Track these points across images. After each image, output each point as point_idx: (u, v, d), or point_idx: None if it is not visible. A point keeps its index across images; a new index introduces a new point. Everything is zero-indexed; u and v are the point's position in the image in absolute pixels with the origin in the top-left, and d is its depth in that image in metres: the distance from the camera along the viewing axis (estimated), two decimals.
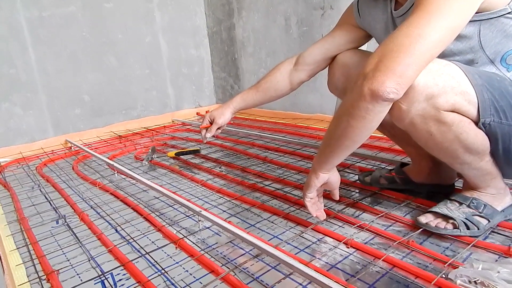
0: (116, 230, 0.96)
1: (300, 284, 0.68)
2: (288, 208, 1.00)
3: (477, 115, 0.68)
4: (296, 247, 0.81)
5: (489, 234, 0.78)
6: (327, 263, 0.74)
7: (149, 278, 0.74)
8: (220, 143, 1.75)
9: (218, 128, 1.11)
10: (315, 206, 0.86)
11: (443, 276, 0.65)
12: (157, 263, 0.80)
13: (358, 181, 1.11)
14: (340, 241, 0.81)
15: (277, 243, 0.82)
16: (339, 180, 0.85)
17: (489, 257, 0.71)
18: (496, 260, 0.69)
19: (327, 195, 0.91)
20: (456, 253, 0.73)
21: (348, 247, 0.79)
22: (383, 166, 1.22)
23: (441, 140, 0.70)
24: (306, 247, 0.81)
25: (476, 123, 0.69)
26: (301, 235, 0.86)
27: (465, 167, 0.76)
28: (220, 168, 1.40)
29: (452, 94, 0.66)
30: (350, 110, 0.67)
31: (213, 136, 1.11)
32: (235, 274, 0.72)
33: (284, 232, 0.88)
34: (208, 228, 0.93)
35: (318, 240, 0.83)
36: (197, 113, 2.50)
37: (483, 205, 0.79)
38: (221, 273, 0.72)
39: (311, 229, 0.87)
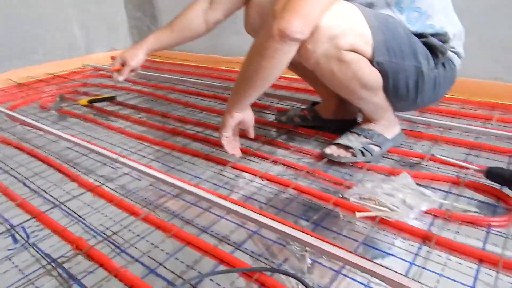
0: (24, 184, 0.90)
1: (219, 216, 0.74)
2: (208, 150, 1.03)
3: (372, 54, 0.75)
4: (215, 184, 0.85)
5: (380, 159, 0.91)
6: (244, 195, 0.81)
7: (66, 227, 0.73)
8: (138, 89, 1.67)
9: (132, 71, 1.05)
10: (231, 145, 0.90)
11: (340, 196, 0.76)
12: (74, 211, 0.78)
13: (275, 121, 1.18)
14: (256, 175, 0.87)
15: (197, 182, 0.86)
16: (253, 119, 0.89)
17: (378, 177, 0.83)
18: (383, 180, 0.82)
19: (243, 134, 0.95)
20: (353, 177, 0.84)
21: (263, 180, 0.86)
22: (298, 106, 1.30)
23: (342, 78, 0.77)
24: (225, 183, 0.86)
25: (371, 61, 0.76)
26: (220, 173, 0.90)
27: (362, 102, 0.86)
28: (139, 114, 1.35)
29: (351, 35, 0.71)
30: (261, 50, 0.69)
31: (126, 79, 1.05)
32: (156, 214, 0.75)
33: (204, 172, 0.92)
34: (127, 174, 0.93)
35: (236, 176, 0.89)
36: (111, 57, 2.30)
37: (376, 135, 0.91)
38: (141, 214, 0.74)
39: (230, 167, 0.92)
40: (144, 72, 1.91)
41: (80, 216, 0.76)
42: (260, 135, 1.08)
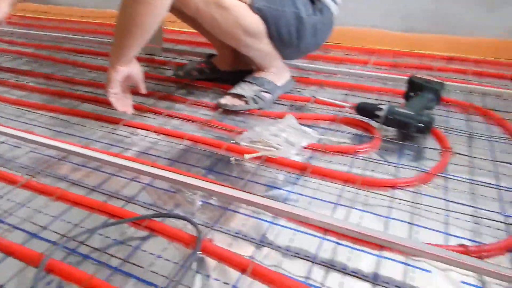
0: None
1: (110, 174, 0.72)
2: (100, 110, 0.97)
3: (251, 0, 0.77)
4: (107, 144, 0.82)
5: (272, 105, 0.97)
6: (137, 151, 0.79)
7: None
8: (17, 49, 1.47)
9: None
10: (121, 102, 0.87)
11: (232, 141, 0.79)
12: None
13: (173, 76, 1.15)
14: (151, 131, 0.86)
15: (86, 143, 0.82)
16: (140, 73, 0.86)
17: (270, 122, 0.89)
18: (272, 123, 0.88)
19: (136, 91, 0.92)
20: (246, 123, 0.89)
21: (158, 135, 0.85)
22: (196, 60, 1.28)
23: (224, 24, 0.78)
24: (118, 142, 0.83)
25: (251, 7, 0.78)
26: (112, 132, 0.87)
27: (249, 50, 0.88)
28: (17, 78, 1.20)
29: None
30: None
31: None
32: (38, 179, 0.70)
33: (95, 133, 0.87)
34: (3, 143, 0.84)
35: (130, 133, 0.86)
36: None
37: (267, 82, 0.95)
38: (20, 181, 0.69)
39: (123, 125, 0.89)
40: (24, 31, 1.67)
41: None
42: (158, 91, 1.06)
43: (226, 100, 0.94)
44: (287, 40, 0.87)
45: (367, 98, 0.98)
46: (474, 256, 0.48)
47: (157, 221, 0.58)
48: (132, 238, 0.56)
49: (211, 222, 0.59)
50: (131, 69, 0.82)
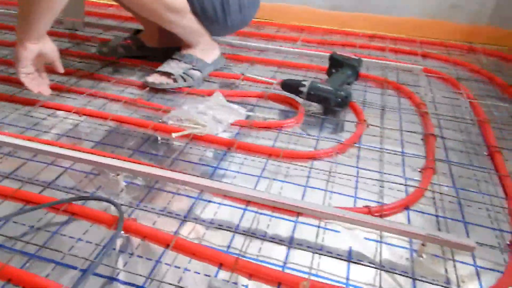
0: None
1: (25, 159, 0.67)
2: (15, 90, 0.89)
3: None
4: (22, 127, 0.77)
5: (203, 83, 0.96)
6: (56, 134, 0.75)
7: None
8: None
9: None
10: (36, 82, 0.81)
11: (160, 120, 0.78)
12: None
13: (97, 53, 1.09)
14: (71, 112, 0.81)
15: None
16: (55, 51, 0.80)
17: (198, 100, 0.89)
18: (200, 101, 0.88)
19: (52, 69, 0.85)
20: (174, 102, 0.88)
21: (80, 116, 0.81)
22: (122, 35, 1.22)
23: (144, 0, 0.75)
24: (35, 125, 0.78)
25: None
26: (28, 114, 0.81)
27: (173, 26, 0.86)
28: None
29: None
30: None
31: None
32: None
33: (8, 115, 0.80)
34: None
35: (48, 115, 0.81)
36: None
37: (196, 60, 0.94)
38: None
39: (40, 106, 0.83)
40: None
41: None
42: (80, 69, 0.99)
43: (154, 78, 0.92)
44: (213, 16, 0.87)
45: (295, 74, 1.02)
46: (376, 216, 0.55)
47: (77, 205, 0.57)
48: (50, 223, 0.54)
49: (136, 201, 0.59)
50: (42, 46, 0.76)
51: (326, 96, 0.79)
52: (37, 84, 0.81)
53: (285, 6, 1.40)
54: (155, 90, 0.91)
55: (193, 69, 0.94)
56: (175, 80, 0.91)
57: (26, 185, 0.61)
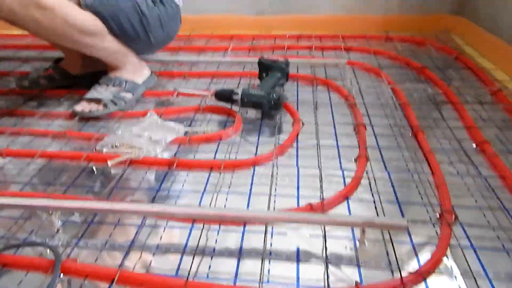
0: None
1: None
2: None
3: None
4: None
5: (136, 104, 0.94)
6: None
7: None
8: None
9: None
10: None
11: (93, 150, 0.75)
12: None
13: (17, 88, 1.01)
14: None
15: None
16: None
17: (133, 123, 0.86)
18: (134, 123, 0.85)
19: None
20: (108, 128, 0.84)
21: (4, 157, 0.75)
22: (42, 66, 1.15)
23: (52, 26, 0.71)
24: None
25: (80, 5, 0.73)
26: None
27: (93, 50, 0.83)
28: None
29: None
30: None
31: None
32: None
33: None
34: None
35: None
36: None
37: (125, 82, 0.91)
38: None
39: None
40: None
41: None
42: (1, 107, 0.92)
43: (82, 107, 0.87)
44: (133, 35, 0.85)
45: (229, 84, 1.03)
46: (318, 211, 0.57)
47: (8, 255, 0.52)
48: None
49: (75, 240, 0.55)
50: None
51: (259, 101, 0.81)
52: None
53: (211, 16, 1.41)
54: (86, 119, 0.87)
55: (123, 91, 0.91)
56: (105, 106, 0.88)
57: None
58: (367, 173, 0.66)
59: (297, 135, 0.77)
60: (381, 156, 0.70)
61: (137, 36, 0.85)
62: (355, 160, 0.69)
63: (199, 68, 1.12)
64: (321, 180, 0.64)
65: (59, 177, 0.70)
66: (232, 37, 1.36)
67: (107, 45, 0.83)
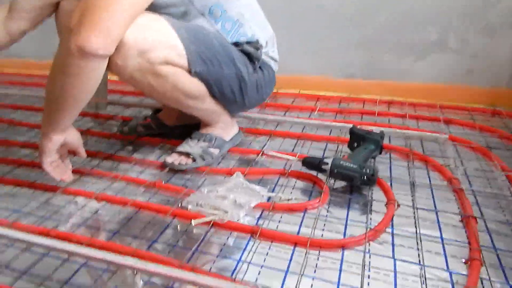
0: None
1: (42, 254, 0.65)
2: (35, 176, 0.90)
3: (188, 65, 0.77)
4: (41, 217, 0.75)
5: (221, 160, 0.95)
6: (75, 223, 0.73)
7: None
8: None
9: None
10: (59, 170, 0.81)
11: (179, 205, 0.76)
12: None
13: (118, 132, 1.11)
14: (91, 197, 0.80)
15: (16, 217, 0.74)
16: (79, 139, 0.81)
17: (218, 180, 0.87)
18: (219, 182, 0.85)
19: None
20: (194, 182, 0.86)
21: (99, 202, 0.80)
22: (143, 114, 1.26)
23: (163, 91, 0.77)
24: (54, 213, 0.76)
25: (189, 72, 0.78)
26: (48, 202, 0.80)
27: (192, 110, 0.87)
28: None
29: (162, 49, 0.71)
30: (62, 68, 0.64)
31: None
32: None
33: (27, 203, 0.80)
34: None
35: (68, 202, 0.80)
36: None
37: (214, 138, 0.94)
38: None
39: (61, 193, 0.83)
40: None
41: None
42: (101, 151, 1.01)
43: (173, 159, 0.91)
44: (231, 98, 0.88)
45: (315, 148, 1.00)
46: None
47: None
48: None
49: None
50: (67, 136, 0.77)
51: (351, 174, 0.76)
52: (60, 172, 0.81)
53: (299, 77, 1.43)
54: (175, 170, 0.90)
55: (212, 147, 0.94)
56: (194, 160, 0.90)
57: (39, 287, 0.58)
58: (482, 282, 0.55)
59: (392, 218, 0.70)
60: (499, 262, 0.59)
61: (234, 99, 0.88)
62: (466, 262, 0.59)
63: (284, 127, 1.12)
64: (424, 282, 0.55)
65: (145, 229, 0.71)
66: (318, 98, 1.35)
67: (206, 107, 0.87)
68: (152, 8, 0.72)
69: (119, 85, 1.55)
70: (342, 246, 0.63)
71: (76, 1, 0.84)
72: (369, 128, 0.92)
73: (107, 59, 0.65)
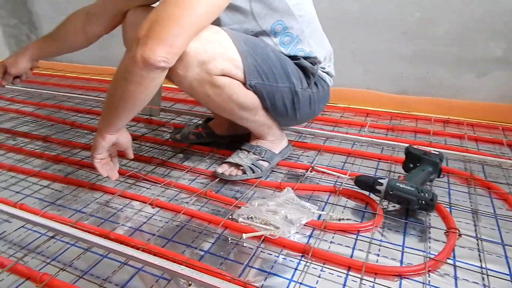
0: None
1: (101, 255, 0.69)
2: (95, 178, 0.95)
3: (244, 78, 0.78)
4: (100, 218, 0.79)
5: (270, 173, 0.96)
6: (131, 227, 0.76)
7: None
8: (16, 108, 1.47)
9: (17, 77, 0.98)
10: (106, 167, 0.86)
11: (230, 217, 0.77)
12: None
13: (170, 139, 1.15)
14: (146, 203, 0.84)
15: (79, 217, 0.79)
16: (129, 141, 0.86)
17: (267, 193, 0.87)
18: (271, 195, 0.86)
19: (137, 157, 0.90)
20: (244, 194, 0.87)
21: (154, 207, 0.83)
22: (196, 121, 1.29)
23: (218, 101, 0.79)
24: (111, 216, 0.80)
25: (245, 84, 0.79)
26: (106, 204, 0.84)
27: (244, 121, 0.89)
28: (14, 140, 1.19)
29: (220, 60, 0.73)
30: (126, 75, 0.67)
31: (13, 84, 0.99)
32: (25, 262, 0.67)
33: (88, 204, 0.85)
34: None
35: (125, 206, 0.84)
36: None
37: (264, 151, 0.95)
38: (7, 265, 0.65)
39: (118, 196, 0.87)
40: (24, 88, 1.70)
41: None
42: (154, 157, 1.05)
43: (223, 169, 0.93)
44: (283, 112, 0.88)
45: (366, 166, 0.97)
46: None
47: None
48: None
49: None
50: (119, 136, 0.82)
51: (408, 197, 0.73)
52: (107, 169, 0.86)
53: (348, 90, 1.41)
54: (225, 180, 0.92)
55: (262, 160, 0.94)
56: (244, 172, 0.91)
57: None
58: None
59: (453, 248, 0.66)
60: None
61: (286, 113, 0.88)
62: None
63: (332, 143, 1.10)
64: None
65: (197, 239, 0.72)
66: (368, 113, 1.32)
67: (257, 119, 0.88)
68: (216, 23, 0.75)
69: (171, 93, 1.62)
70: (400, 274, 0.61)
71: (142, 12, 0.90)
72: (425, 148, 0.88)
73: (167, 70, 0.69)
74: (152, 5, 0.94)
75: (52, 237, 0.73)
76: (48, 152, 1.09)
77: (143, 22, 0.64)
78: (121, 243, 0.68)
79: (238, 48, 0.75)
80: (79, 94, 1.61)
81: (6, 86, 1.02)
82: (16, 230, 0.76)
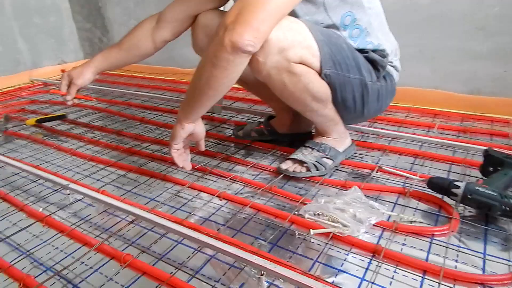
0: None
1: (176, 241, 0.73)
2: (166, 169, 1.01)
3: (319, 67, 0.79)
4: (173, 207, 0.84)
5: (333, 172, 0.95)
6: (201, 217, 0.80)
7: (11, 263, 0.69)
8: (91, 104, 1.61)
9: (80, 89, 1.03)
10: (182, 157, 0.90)
11: (296, 213, 0.78)
12: (20, 246, 0.74)
13: (232, 136, 1.19)
14: (214, 195, 0.87)
15: (153, 205, 0.84)
16: (204, 132, 0.89)
17: (331, 191, 0.86)
18: (337, 193, 0.85)
19: (202, 152, 0.95)
20: (308, 191, 0.87)
21: (221, 199, 0.86)
22: (255, 119, 1.32)
23: (293, 90, 0.80)
24: (183, 205, 0.85)
25: (319, 74, 0.80)
26: (177, 194, 0.89)
27: (314, 114, 0.89)
28: (92, 133, 1.30)
29: (299, 48, 0.75)
30: (213, 60, 0.70)
31: (77, 96, 1.03)
32: (110, 243, 0.73)
33: (161, 193, 0.90)
34: (80, 200, 0.89)
35: (194, 197, 0.88)
36: (61, 70, 2.20)
37: (328, 149, 0.94)
38: (95, 244, 0.72)
39: (188, 187, 0.91)
40: (98, 87, 1.85)
41: (28, 250, 0.72)
42: (219, 152, 1.09)
43: (287, 165, 0.94)
44: (352, 106, 0.87)
45: (437, 168, 0.93)
46: None
47: None
48: None
49: None
50: (196, 127, 0.86)
51: (490, 202, 0.69)
52: (182, 160, 0.90)
53: (414, 89, 1.35)
54: (288, 177, 0.93)
55: (326, 157, 0.94)
56: (308, 169, 0.92)
57: (176, 271, 0.64)
58: None
59: None
60: None
61: (354, 107, 0.87)
62: None
63: (397, 143, 1.06)
64: None
65: (264, 232, 0.74)
66: (435, 113, 1.26)
67: (326, 112, 0.87)
68: (291, 14, 0.76)
69: (231, 91, 1.67)
70: (482, 283, 0.57)
71: (213, 15, 0.94)
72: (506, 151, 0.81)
73: (251, 55, 0.71)
74: (220, 8, 0.98)
75: (132, 222, 0.79)
76: (122, 144, 1.18)
77: (231, 10, 0.67)
78: (195, 230, 0.72)
79: (315, 37, 0.76)
80: (146, 92, 1.71)
81: (70, 103, 1.01)
82: (100, 214, 0.83)
